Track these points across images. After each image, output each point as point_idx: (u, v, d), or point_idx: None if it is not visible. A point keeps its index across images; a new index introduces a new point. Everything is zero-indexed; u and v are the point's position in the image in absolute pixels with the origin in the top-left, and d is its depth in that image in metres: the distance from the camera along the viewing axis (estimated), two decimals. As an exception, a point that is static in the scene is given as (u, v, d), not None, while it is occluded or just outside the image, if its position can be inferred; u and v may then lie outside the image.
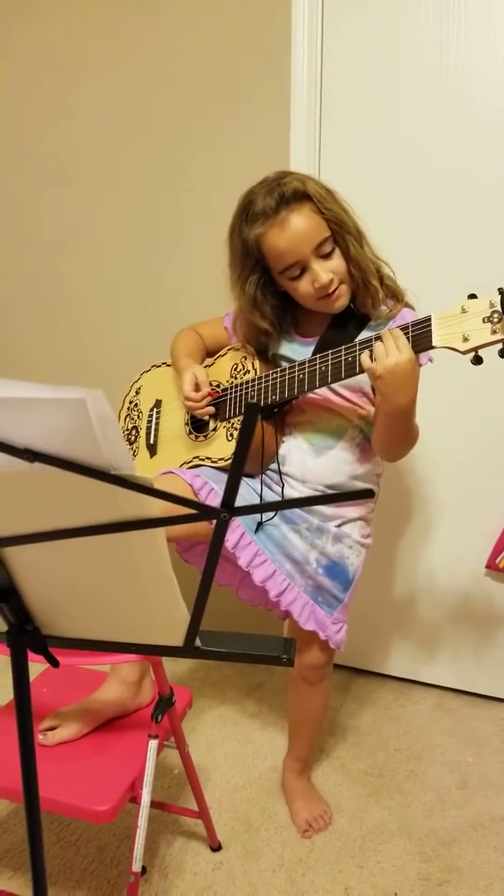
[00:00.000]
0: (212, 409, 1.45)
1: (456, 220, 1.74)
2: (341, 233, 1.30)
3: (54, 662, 0.75)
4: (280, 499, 1.43)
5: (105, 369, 2.24)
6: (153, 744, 1.21)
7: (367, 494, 0.58)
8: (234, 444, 1.42)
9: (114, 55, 2.02)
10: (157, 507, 0.62)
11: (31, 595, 0.71)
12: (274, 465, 1.45)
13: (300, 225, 1.28)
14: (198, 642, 0.73)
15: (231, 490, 0.61)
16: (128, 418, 1.67)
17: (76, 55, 2.07)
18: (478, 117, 1.68)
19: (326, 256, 1.31)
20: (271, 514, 1.41)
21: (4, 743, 1.26)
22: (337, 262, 1.32)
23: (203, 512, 0.64)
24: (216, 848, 1.49)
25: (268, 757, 1.77)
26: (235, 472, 0.60)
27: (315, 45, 1.78)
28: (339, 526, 1.44)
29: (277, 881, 1.42)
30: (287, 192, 1.27)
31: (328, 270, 1.31)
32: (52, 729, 1.29)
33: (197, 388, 1.44)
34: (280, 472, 1.44)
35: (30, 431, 0.56)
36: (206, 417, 1.48)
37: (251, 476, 1.47)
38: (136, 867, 1.18)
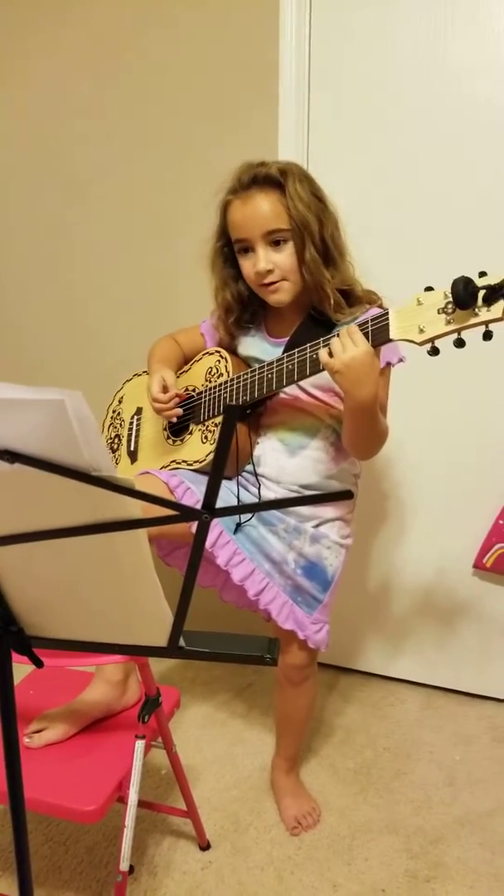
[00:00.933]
0: (179, 412, 1.47)
1: (443, 211, 1.75)
2: (301, 236, 1.31)
3: (38, 663, 0.76)
4: (257, 500, 1.44)
5: (111, 370, 2.24)
6: (140, 744, 1.21)
7: (345, 496, 0.59)
8: (208, 445, 1.42)
9: (109, 50, 2.02)
10: (139, 509, 0.62)
11: (15, 596, 0.71)
12: (249, 467, 1.46)
13: (260, 206, 1.32)
14: (182, 642, 0.73)
15: (212, 491, 0.62)
16: (111, 427, 1.68)
17: (86, 48, 2.07)
18: (467, 107, 1.69)
19: (276, 247, 1.33)
20: (249, 515, 1.41)
21: (-9, 744, 1.27)
22: (284, 257, 1.34)
23: (184, 513, 0.64)
24: (205, 847, 1.49)
25: (257, 756, 1.77)
26: (216, 473, 0.61)
27: (303, 35, 1.79)
28: (317, 526, 1.44)
29: (266, 879, 1.42)
30: (262, 174, 1.32)
31: (270, 261, 1.34)
32: (38, 731, 1.29)
33: (165, 390, 1.45)
34: (256, 474, 1.45)
35: (9, 432, 0.56)
36: (175, 419, 1.50)
37: (227, 478, 1.47)
38: (124, 866, 1.19)
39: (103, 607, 0.72)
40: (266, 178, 1.31)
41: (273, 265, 1.34)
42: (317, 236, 1.31)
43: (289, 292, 1.37)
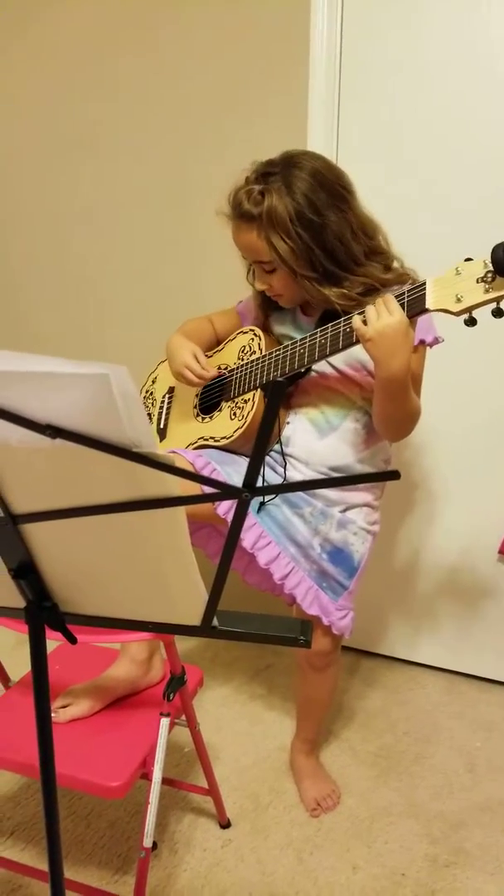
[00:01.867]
0: (214, 373, 1.47)
1: (477, 200, 1.72)
2: (287, 266, 1.30)
3: (72, 639, 0.76)
4: (282, 481, 1.43)
5: (122, 355, 2.24)
6: (165, 721, 1.22)
7: (392, 476, 0.57)
8: (236, 422, 1.42)
9: (135, 35, 1.99)
10: (178, 486, 0.61)
11: (50, 572, 0.71)
12: (277, 447, 1.45)
13: (244, 238, 1.34)
14: (215, 622, 0.73)
15: (253, 469, 0.61)
16: (143, 406, 1.68)
17: (98, 34, 2.04)
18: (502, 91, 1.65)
19: (268, 273, 1.36)
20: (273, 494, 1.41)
21: (17, 719, 1.28)
22: (277, 279, 1.35)
23: (224, 491, 0.63)
24: (225, 825, 1.50)
25: (276, 737, 1.78)
26: (259, 450, 0.60)
27: (335, 23, 1.75)
28: (344, 511, 1.43)
29: (286, 859, 1.43)
30: (239, 211, 1.31)
31: (264, 282, 1.38)
32: (64, 707, 1.30)
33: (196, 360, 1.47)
34: (283, 454, 1.44)
35: (52, 407, 0.55)
36: (196, 399, 1.50)
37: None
38: (148, 843, 1.19)
39: (138, 584, 0.72)
40: (242, 214, 1.31)
41: (267, 285, 1.37)
42: (306, 264, 1.29)
43: (293, 300, 1.41)
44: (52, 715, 1.29)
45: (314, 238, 1.27)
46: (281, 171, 1.28)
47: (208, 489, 0.62)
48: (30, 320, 2.42)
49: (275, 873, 1.40)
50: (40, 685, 0.75)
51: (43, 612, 0.73)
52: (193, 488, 0.68)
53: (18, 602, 0.73)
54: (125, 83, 2.04)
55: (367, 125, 1.79)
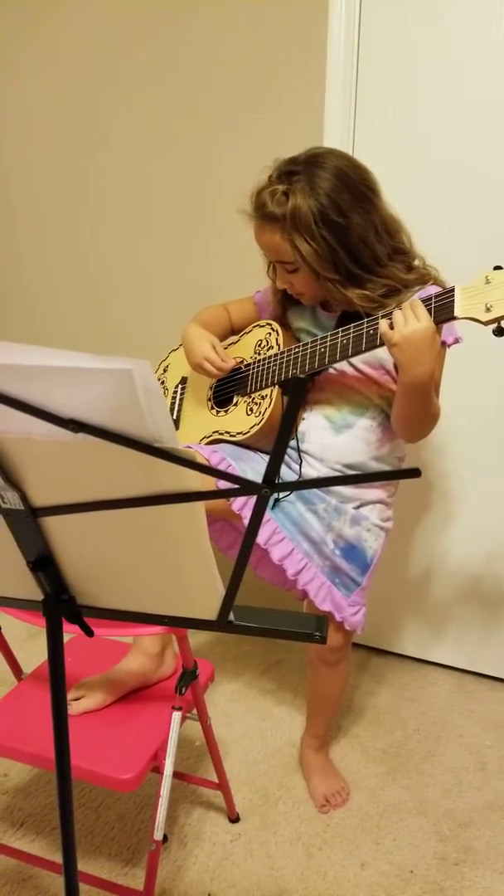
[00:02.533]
0: (232, 363, 1.47)
1: (494, 192, 1.71)
2: (309, 267, 1.29)
3: (89, 632, 0.76)
4: (297, 477, 1.43)
5: (131, 344, 2.24)
6: (177, 715, 1.22)
7: (413, 474, 0.57)
8: (252, 418, 1.42)
9: (148, 24, 1.98)
10: (198, 481, 0.61)
11: (68, 565, 0.71)
12: (292, 443, 1.44)
13: (266, 238, 1.33)
14: (231, 617, 0.73)
15: (274, 466, 0.61)
16: None
17: (113, 24, 2.04)
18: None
19: (290, 272, 1.35)
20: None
21: (28, 711, 1.29)
22: (299, 279, 1.35)
23: (244, 487, 0.63)
24: (234, 819, 1.51)
25: (286, 733, 1.78)
26: (279, 446, 0.60)
27: (353, 14, 1.73)
28: (358, 508, 1.43)
29: (294, 854, 1.43)
30: (262, 212, 1.30)
31: (286, 280, 1.37)
32: (76, 699, 1.31)
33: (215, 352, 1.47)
34: (299, 450, 1.43)
35: (75, 401, 0.56)
36: (209, 391, 1.49)
37: (267, 453, 1.46)
38: (158, 835, 1.20)
39: (155, 578, 0.72)
40: (265, 215, 1.30)
41: (289, 284, 1.37)
42: (329, 266, 1.28)
43: (314, 298, 1.40)
44: (65, 707, 1.29)
45: (338, 240, 1.26)
46: (304, 170, 1.27)
47: (226, 484, 0.62)
48: (39, 313, 2.43)
49: (283, 868, 1.40)
50: (57, 677, 0.75)
51: (61, 605, 0.73)
52: (212, 484, 0.68)
53: (36, 594, 0.74)
54: (137, 74, 2.04)
55: (386, 118, 1.77)
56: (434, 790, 1.61)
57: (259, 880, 1.37)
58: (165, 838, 1.43)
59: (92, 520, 0.65)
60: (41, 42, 2.15)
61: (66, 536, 0.68)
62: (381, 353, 1.33)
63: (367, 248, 1.28)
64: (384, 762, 1.70)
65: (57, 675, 0.75)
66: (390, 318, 1.20)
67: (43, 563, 0.69)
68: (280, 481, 0.66)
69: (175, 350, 1.67)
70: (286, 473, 1.44)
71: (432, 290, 1.33)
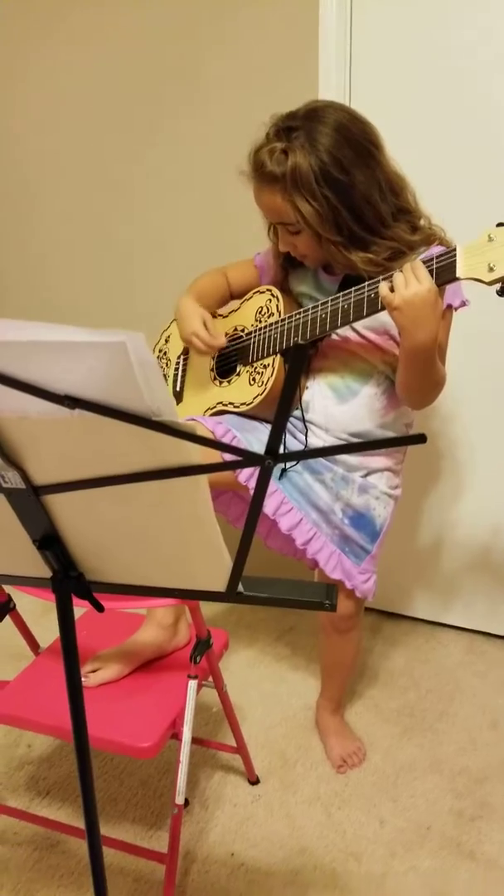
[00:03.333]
0: (222, 341, 1.45)
1: (490, 151, 1.67)
2: (311, 228, 1.25)
3: (99, 607, 0.77)
4: (304, 447, 1.42)
5: (138, 316, 2.23)
6: (193, 683, 1.24)
7: (419, 440, 0.56)
8: (255, 388, 1.40)
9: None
10: (199, 454, 0.61)
11: (74, 542, 0.71)
12: (297, 413, 1.43)
13: (266, 200, 1.29)
14: (240, 588, 0.73)
15: (276, 436, 0.60)
16: None
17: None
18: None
19: (293, 234, 1.31)
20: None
21: (47, 684, 1.31)
22: (301, 240, 1.31)
23: (247, 458, 0.63)
24: (254, 781, 1.54)
25: (301, 696, 1.80)
26: (281, 416, 0.59)
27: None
28: (365, 476, 1.42)
29: (314, 813, 1.46)
30: (261, 172, 1.25)
31: (288, 243, 1.33)
32: (93, 671, 1.33)
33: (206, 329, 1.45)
34: (304, 420, 1.42)
35: (70, 377, 0.55)
36: (212, 361, 1.49)
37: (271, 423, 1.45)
38: (180, 800, 1.22)
39: (162, 552, 0.72)
40: (264, 175, 1.25)
41: (291, 247, 1.33)
42: (331, 227, 1.24)
43: (316, 260, 1.36)
44: (83, 680, 1.31)
45: (340, 199, 1.22)
46: (303, 125, 1.22)
47: (230, 457, 0.62)
48: (55, 284, 2.41)
49: (304, 827, 1.43)
50: (69, 653, 0.76)
51: (69, 582, 0.74)
52: (215, 456, 0.68)
53: (45, 572, 0.74)
54: (139, 49, 1.99)
55: (382, 71, 1.73)
56: (448, 748, 1.63)
57: (280, 839, 1.40)
58: (187, 802, 1.46)
59: (95, 496, 0.65)
60: (62, 34, 2.11)
61: (70, 514, 0.68)
62: (385, 318, 1.30)
63: (371, 207, 1.24)
64: (399, 723, 1.72)
65: (69, 650, 0.76)
66: (391, 281, 1.17)
67: (49, 542, 0.69)
68: (288, 451, 0.65)
69: (176, 320, 1.65)
70: (292, 444, 1.43)
71: (437, 250, 1.30)
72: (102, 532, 0.70)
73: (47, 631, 1.46)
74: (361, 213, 1.24)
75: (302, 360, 0.57)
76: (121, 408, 0.57)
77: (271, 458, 0.60)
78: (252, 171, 1.28)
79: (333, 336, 1.38)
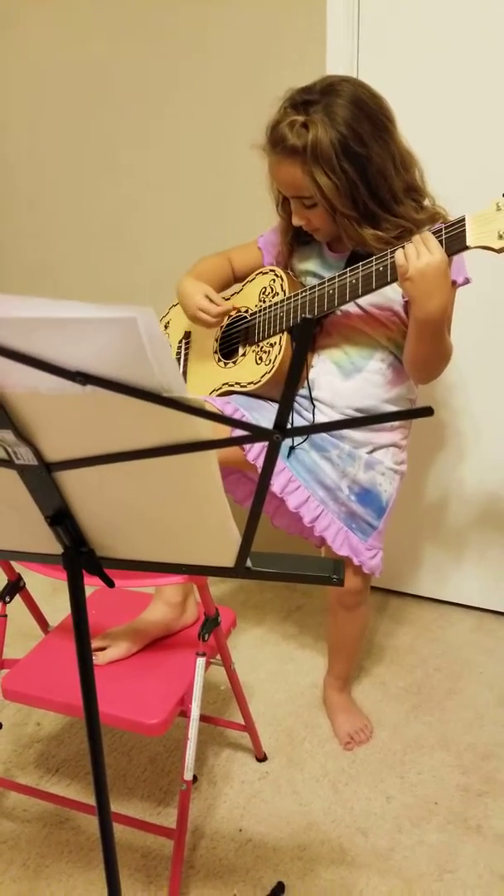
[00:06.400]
0: (227, 306, 1.45)
1: (498, 128, 1.65)
2: (328, 202, 1.25)
3: (110, 583, 0.77)
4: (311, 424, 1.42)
5: (152, 290, 2.22)
6: (201, 661, 1.25)
7: (425, 412, 0.56)
8: (262, 367, 1.41)
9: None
10: (209, 429, 0.61)
11: (86, 518, 0.72)
12: (304, 391, 1.43)
13: (283, 173, 1.28)
14: (249, 563, 0.74)
15: (284, 411, 0.60)
16: None
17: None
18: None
19: (307, 208, 1.30)
20: (302, 438, 1.40)
21: (57, 663, 1.32)
22: (316, 215, 1.31)
23: (255, 433, 0.63)
24: (262, 759, 1.55)
25: (308, 674, 1.81)
26: (289, 391, 0.59)
27: None
28: (371, 452, 1.42)
29: (321, 790, 1.48)
30: (281, 144, 1.24)
31: (302, 216, 1.32)
32: (102, 649, 1.34)
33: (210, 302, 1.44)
34: (311, 398, 1.42)
35: (82, 353, 0.55)
36: (215, 344, 1.48)
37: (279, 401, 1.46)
38: (188, 776, 1.24)
39: (171, 528, 0.73)
40: (285, 148, 1.24)
41: (306, 221, 1.32)
42: (347, 201, 1.24)
43: (329, 234, 1.36)
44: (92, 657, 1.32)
45: (358, 173, 1.22)
46: (321, 99, 1.22)
47: (239, 432, 0.62)
48: (55, 268, 2.40)
49: (311, 803, 1.45)
50: (80, 629, 0.77)
51: (80, 558, 0.74)
52: (224, 432, 0.68)
53: (56, 548, 0.74)
54: (142, 18, 1.97)
55: (390, 42, 1.71)
56: (455, 725, 1.64)
57: (288, 815, 1.42)
58: (195, 778, 1.47)
59: (106, 472, 0.65)
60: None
61: (81, 490, 0.68)
62: (390, 293, 1.31)
63: (385, 182, 1.25)
64: (406, 700, 1.73)
65: (80, 625, 0.77)
66: (403, 252, 1.17)
67: (60, 518, 0.70)
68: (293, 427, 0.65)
69: (175, 305, 1.65)
70: (299, 422, 1.43)
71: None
72: (113, 508, 0.70)
73: (56, 610, 1.47)
74: (376, 187, 1.25)
75: (308, 334, 0.57)
76: (131, 384, 0.57)
77: (279, 433, 0.61)
78: (270, 144, 1.28)
79: (337, 312, 1.37)
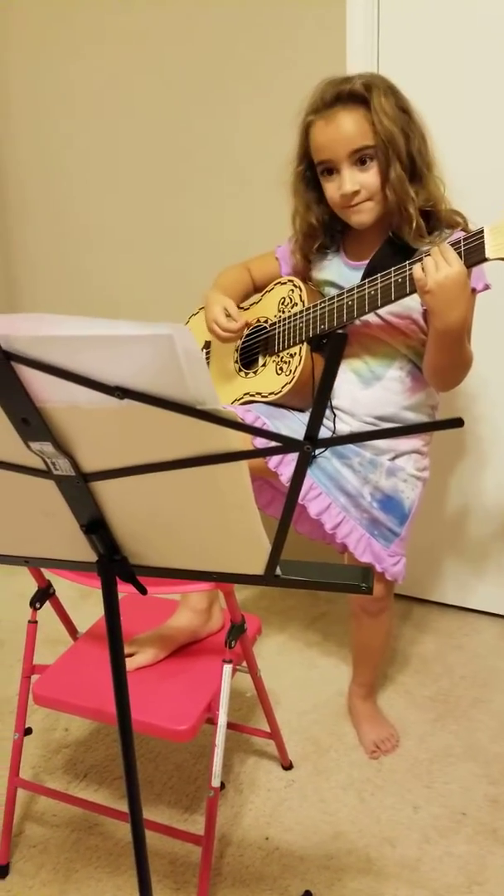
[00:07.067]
0: (242, 322, 1.46)
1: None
2: (386, 152, 1.27)
3: (142, 590, 0.79)
4: (332, 433, 1.43)
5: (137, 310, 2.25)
6: (227, 668, 1.26)
7: (455, 423, 0.57)
8: (283, 377, 1.42)
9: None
10: (241, 440, 0.63)
11: (119, 527, 0.73)
12: None
13: (344, 125, 1.28)
14: (278, 571, 0.75)
15: (315, 422, 0.61)
16: None
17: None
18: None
19: (361, 166, 1.30)
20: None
21: (86, 669, 1.34)
22: (370, 176, 1.30)
23: (286, 444, 0.64)
24: (287, 767, 1.56)
25: (333, 682, 1.82)
26: (320, 403, 0.60)
27: None
28: (393, 459, 1.43)
29: (348, 798, 1.48)
30: (346, 91, 1.27)
31: (356, 181, 1.30)
32: (129, 655, 1.35)
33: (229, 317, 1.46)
34: (332, 406, 1.43)
35: (120, 369, 0.57)
36: (236, 354, 1.49)
37: (301, 411, 1.47)
38: (215, 783, 1.25)
39: (203, 537, 0.74)
40: (350, 94, 1.27)
41: (359, 185, 1.31)
42: (403, 152, 1.27)
43: (372, 212, 1.34)
44: (120, 664, 1.34)
45: (409, 125, 1.28)
46: (359, 84, 1.28)
47: (263, 442, 0.63)
48: (28, 285, 2.43)
49: (338, 812, 1.45)
50: (114, 635, 0.78)
51: (114, 565, 0.76)
52: (248, 441, 0.69)
53: (90, 556, 0.76)
54: (143, 21, 2.00)
55: (409, 43, 1.72)
56: (483, 735, 1.63)
57: (314, 824, 1.42)
58: (223, 785, 1.48)
59: (141, 482, 0.67)
60: None
61: (116, 499, 0.70)
62: (410, 302, 1.31)
63: (424, 143, 1.30)
64: (432, 709, 1.72)
65: (114, 632, 0.78)
66: (422, 265, 1.18)
67: (95, 526, 0.71)
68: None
69: (195, 315, 1.67)
70: (320, 431, 1.44)
71: (460, 235, 1.31)
72: (146, 517, 0.72)
73: (85, 616, 1.50)
74: (420, 150, 1.30)
75: (340, 349, 0.59)
76: (167, 397, 0.58)
77: (310, 444, 0.62)
78: (327, 104, 1.30)
79: (356, 321, 1.38)
